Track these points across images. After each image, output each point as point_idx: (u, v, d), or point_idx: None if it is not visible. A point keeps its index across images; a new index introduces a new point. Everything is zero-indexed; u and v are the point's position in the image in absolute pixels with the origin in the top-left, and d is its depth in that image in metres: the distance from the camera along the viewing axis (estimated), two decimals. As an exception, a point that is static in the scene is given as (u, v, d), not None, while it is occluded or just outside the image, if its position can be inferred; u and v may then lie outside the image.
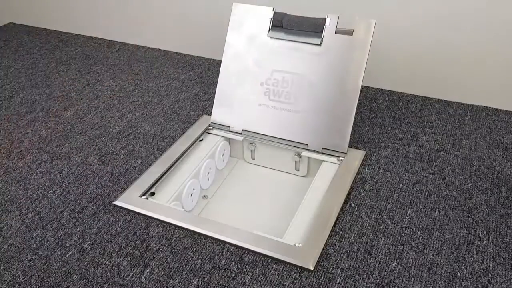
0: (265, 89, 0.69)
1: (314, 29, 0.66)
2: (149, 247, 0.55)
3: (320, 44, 0.66)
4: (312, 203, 0.60)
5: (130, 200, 0.62)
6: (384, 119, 0.76)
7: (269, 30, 0.69)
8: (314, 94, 0.67)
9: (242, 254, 0.54)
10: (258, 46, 0.69)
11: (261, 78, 0.69)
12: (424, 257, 0.53)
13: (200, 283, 0.51)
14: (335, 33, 0.66)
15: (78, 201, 0.62)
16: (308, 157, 0.69)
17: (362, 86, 0.64)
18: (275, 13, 0.69)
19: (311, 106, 0.67)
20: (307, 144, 0.68)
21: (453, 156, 0.68)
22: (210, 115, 0.74)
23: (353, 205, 0.60)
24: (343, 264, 0.52)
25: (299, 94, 0.67)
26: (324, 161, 0.67)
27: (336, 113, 0.66)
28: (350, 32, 0.65)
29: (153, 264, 0.53)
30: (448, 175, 0.64)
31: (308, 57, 0.67)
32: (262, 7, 0.69)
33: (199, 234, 0.57)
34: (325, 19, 0.66)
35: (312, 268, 0.52)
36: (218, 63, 0.72)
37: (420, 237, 0.55)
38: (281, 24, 0.68)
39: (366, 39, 0.64)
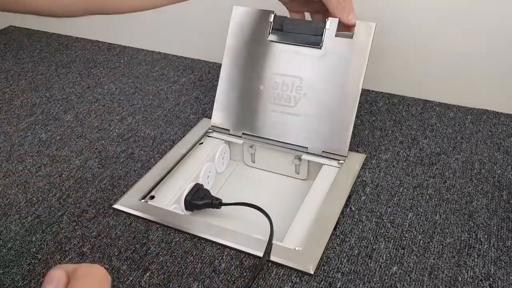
0: (265, 92, 0.69)
1: (314, 33, 0.66)
2: (149, 251, 0.55)
3: (320, 48, 0.66)
4: (312, 206, 0.60)
5: (130, 203, 0.62)
6: (384, 122, 0.76)
7: (269, 34, 0.69)
8: (314, 97, 0.67)
9: (242, 258, 0.54)
10: (258, 50, 0.69)
11: (261, 81, 0.69)
12: (425, 261, 0.52)
13: (200, 287, 0.51)
14: (335, 36, 0.65)
15: (77, 205, 0.62)
16: (308, 161, 0.68)
17: (362, 89, 0.64)
18: (275, 16, 0.69)
19: (312, 110, 0.67)
20: (307, 148, 0.67)
21: (454, 159, 0.68)
22: (210, 118, 0.74)
23: (353, 208, 0.60)
24: (344, 268, 0.52)
25: (299, 97, 0.67)
26: (324, 164, 0.67)
27: (337, 116, 0.66)
28: (350, 36, 0.65)
29: (153, 268, 0.53)
30: (449, 179, 0.64)
31: (308, 61, 0.67)
32: (262, 10, 0.69)
33: (199, 238, 0.57)
34: (325, 22, 0.66)
35: (312, 272, 0.52)
36: (219, 66, 0.72)
37: (421, 241, 0.55)
38: (281, 27, 0.68)
39: (366, 42, 0.64)
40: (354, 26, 0.64)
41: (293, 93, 0.68)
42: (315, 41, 0.66)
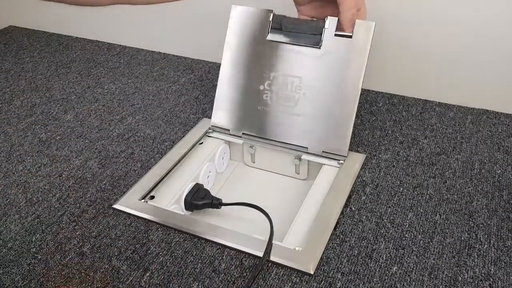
0: (264, 92, 0.69)
1: (313, 32, 0.66)
2: (149, 251, 0.55)
3: (319, 47, 0.66)
4: (312, 206, 0.60)
5: (130, 203, 0.62)
6: (384, 122, 0.76)
7: (268, 33, 0.69)
8: (314, 97, 0.67)
9: (242, 258, 0.54)
10: (257, 49, 0.69)
11: (261, 81, 0.69)
12: (425, 261, 0.52)
13: (200, 287, 0.51)
14: (335, 36, 0.65)
15: (77, 205, 0.62)
16: (308, 161, 0.68)
17: (362, 89, 0.64)
18: (274, 15, 0.68)
19: (311, 110, 0.67)
20: (307, 148, 0.67)
21: (454, 159, 0.68)
22: (210, 118, 0.74)
23: (353, 208, 0.60)
24: (344, 268, 0.52)
25: (299, 97, 0.67)
26: (324, 164, 0.66)
27: (336, 116, 0.66)
28: (349, 35, 0.64)
29: (153, 268, 0.53)
30: (449, 179, 0.64)
31: (307, 60, 0.67)
32: (261, 9, 0.69)
33: (199, 238, 0.57)
34: (324, 21, 0.66)
35: (312, 272, 0.52)
36: (218, 66, 0.72)
37: (421, 241, 0.55)
38: (280, 26, 0.68)
39: (366, 41, 0.64)
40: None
41: (292, 93, 0.67)
42: (315, 41, 0.66)
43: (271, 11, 0.69)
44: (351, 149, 0.68)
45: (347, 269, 0.52)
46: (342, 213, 0.59)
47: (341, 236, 0.56)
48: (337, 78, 0.65)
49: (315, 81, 0.66)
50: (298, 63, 0.67)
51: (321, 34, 0.66)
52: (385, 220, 0.58)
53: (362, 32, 0.64)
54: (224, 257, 0.54)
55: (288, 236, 0.56)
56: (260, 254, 0.53)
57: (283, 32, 0.68)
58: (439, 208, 0.59)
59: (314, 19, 0.68)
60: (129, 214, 0.60)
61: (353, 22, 0.63)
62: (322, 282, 0.51)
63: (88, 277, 0.52)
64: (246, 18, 0.70)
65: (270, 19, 0.68)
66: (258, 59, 0.69)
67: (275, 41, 0.68)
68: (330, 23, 0.65)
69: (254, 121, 0.70)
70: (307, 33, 0.66)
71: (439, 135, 0.73)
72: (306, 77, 0.67)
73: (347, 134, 0.65)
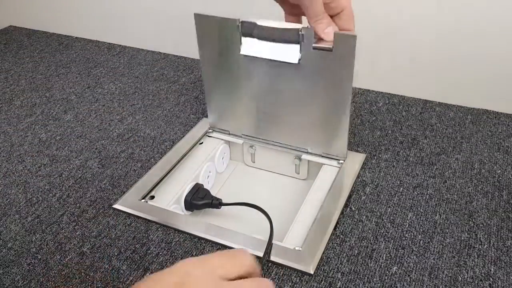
0: (251, 100, 0.66)
1: (289, 42, 0.58)
2: (149, 251, 0.55)
3: (298, 63, 0.59)
4: (312, 206, 0.60)
5: (130, 203, 0.62)
6: (384, 122, 0.76)
7: (240, 43, 0.61)
8: (301, 108, 0.63)
9: (242, 258, 0.54)
10: (233, 63, 0.63)
11: (245, 92, 0.66)
12: (425, 261, 0.52)
13: (200, 287, 0.51)
14: (313, 49, 0.57)
15: (77, 205, 0.62)
16: (308, 160, 0.68)
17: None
18: (242, 23, 0.60)
19: (302, 119, 0.64)
20: (307, 149, 0.67)
21: (454, 159, 0.68)
22: (210, 118, 0.73)
23: (353, 208, 0.60)
24: (344, 268, 0.52)
25: (286, 108, 0.64)
26: (324, 164, 0.66)
27: (329, 126, 0.63)
28: (329, 48, 0.56)
29: (153, 268, 0.53)
30: (449, 179, 0.64)
31: (288, 75, 0.61)
32: (227, 19, 0.60)
33: (199, 238, 0.57)
34: (298, 30, 0.57)
35: (312, 272, 0.52)
36: (218, 66, 0.72)
37: (421, 241, 0.55)
38: (251, 35, 0.60)
39: (348, 55, 0.56)
40: (331, 41, 0.56)
41: (278, 103, 0.64)
42: (293, 53, 0.58)
43: (237, 20, 0.59)
44: (351, 149, 0.68)
45: (347, 269, 0.52)
46: (342, 213, 0.59)
47: (341, 236, 0.56)
48: (323, 91, 0.60)
49: (300, 94, 0.62)
50: (278, 78, 0.62)
51: (298, 43, 0.58)
52: (385, 220, 0.58)
53: (343, 45, 0.56)
54: (224, 257, 0.54)
55: (288, 236, 0.56)
56: (260, 254, 0.53)
57: (257, 43, 0.60)
58: (439, 208, 0.59)
59: (296, 23, 0.60)
60: (129, 214, 0.60)
61: (324, 28, 0.55)
62: (322, 282, 0.51)
63: (88, 277, 0.52)
64: (212, 29, 0.63)
65: (240, 31, 0.60)
66: (237, 73, 0.64)
67: (251, 57, 0.61)
68: (305, 35, 0.56)
69: (248, 126, 0.69)
70: (283, 42, 0.58)
71: (439, 135, 0.73)
72: (289, 91, 0.62)
73: (343, 144, 0.64)
